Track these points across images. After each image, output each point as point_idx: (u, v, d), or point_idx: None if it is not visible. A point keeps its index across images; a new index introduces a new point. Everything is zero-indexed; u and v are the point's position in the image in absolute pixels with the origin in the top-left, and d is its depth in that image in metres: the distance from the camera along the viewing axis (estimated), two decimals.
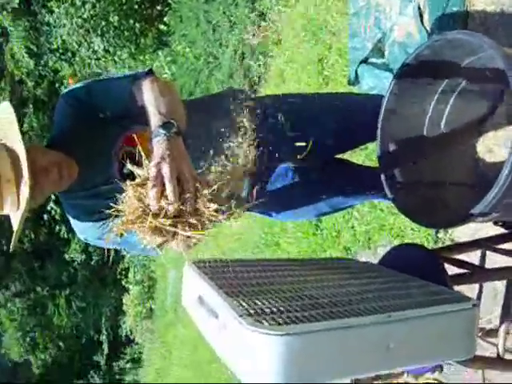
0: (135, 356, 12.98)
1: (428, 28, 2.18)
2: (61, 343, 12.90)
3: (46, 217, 8.62)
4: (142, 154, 1.06)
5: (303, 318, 0.86)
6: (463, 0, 2.00)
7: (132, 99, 1.24)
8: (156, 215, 1.00)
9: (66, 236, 9.87)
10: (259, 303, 0.94)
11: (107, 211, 1.06)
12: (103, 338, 12.76)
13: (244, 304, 0.93)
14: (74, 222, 1.41)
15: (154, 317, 11.44)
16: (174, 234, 1.02)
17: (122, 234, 1.38)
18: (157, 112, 1.13)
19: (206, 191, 1.02)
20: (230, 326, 0.88)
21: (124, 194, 1.03)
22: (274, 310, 0.90)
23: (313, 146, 1.55)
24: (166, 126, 1.07)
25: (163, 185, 0.99)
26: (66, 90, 1.34)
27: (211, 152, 1.20)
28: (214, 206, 1.02)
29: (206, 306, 1.01)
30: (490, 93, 1.50)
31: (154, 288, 11.31)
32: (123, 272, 12.34)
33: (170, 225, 1.00)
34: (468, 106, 1.53)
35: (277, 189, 1.60)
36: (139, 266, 11.39)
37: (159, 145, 1.04)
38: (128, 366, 13.16)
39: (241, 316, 0.85)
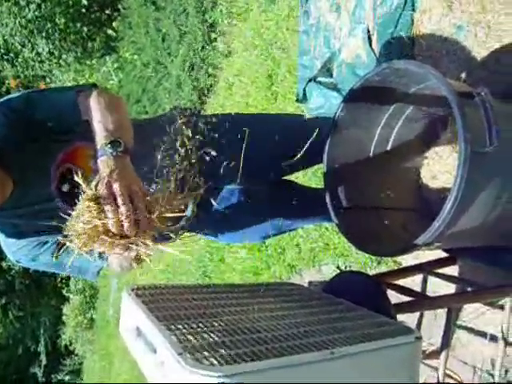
0: (75, 368, 12.62)
1: (376, 51, 2.21)
2: None
3: None
4: (79, 171, 1.02)
5: (244, 356, 0.83)
6: (410, 26, 2.05)
7: (76, 112, 1.18)
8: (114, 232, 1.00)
9: None
10: (200, 338, 0.90)
11: (46, 231, 1.01)
12: (41, 348, 12.38)
13: (183, 338, 0.89)
14: (4, 243, 1.32)
15: (95, 327, 11.16)
16: (128, 248, 1.03)
17: (56, 257, 1.31)
18: (103, 129, 1.08)
19: (157, 207, 1.02)
20: (168, 363, 0.84)
21: (76, 213, 1.00)
22: (215, 346, 0.86)
23: (259, 168, 1.53)
24: (112, 144, 1.04)
25: (116, 203, 0.97)
26: (1, 100, 1.23)
27: (153, 173, 1.17)
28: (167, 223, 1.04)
29: (144, 338, 0.96)
30: (434, 120, 1.53)
31: (96, 298, 11.05)
32: (64, 281, 12.00)
33: (129, 241, 1.00)
34: (413, 131, 1.55)
35: (222, 210, 1.57)
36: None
37: (106, 163, 1.01)
38: (67, 378, 12.80)
39: (180, 354, 0.81)
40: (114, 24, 6.42)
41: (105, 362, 9.56)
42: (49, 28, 6.49)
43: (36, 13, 6.32)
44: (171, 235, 1.08)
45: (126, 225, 0.98)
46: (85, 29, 6.72)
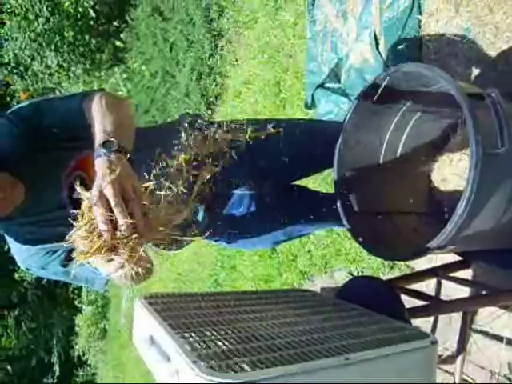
0: (87, 378, 12.62)
1: (384, 55, 2.21)
2: (9, 367, 12.41)
3: None
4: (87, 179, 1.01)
5: (258, 363, 0.82)
6: (418, 29, 2.04)
7: (82, 117, 1.18)
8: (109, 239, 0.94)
9: None
10: (213, 345, 0.90)
11: (57, 239, 1.00)
12: (54, 359, 12.39)
13: (197, 346, 0.89)
14: (14, 251, 1.32)
15: (107, 337, 11.17)
16: (129, 257, 0.95)
17: (65, 266, 1.31)
18: (101, 130, 1.07)
19: (156, 210, 0.98)
20: (183, 371, 0.83)
21: (76, 222, 0.96)
22: (229, 353, 0.86)
23: (269, 173, 1.53)
24: (105, 144, 1.02)
25: (109, 205, 0.93)
26: (10, 110, 1.24)
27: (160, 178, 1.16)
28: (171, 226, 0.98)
29: (158, 347, 0.96)
30: (445, 123, 1.52)
31: (108, 308, 11.06)
32: (76, 291, 12.04)
33: (123, 247, 0.94)
34: (424, 135, 1.54)
35: (233, 216, 1.57)
36: None
37: (100, 165, 0.99)
38: None
39: (194, 362, 0.81)
40: (121, 35, 6.47)
41: (117, 372, 9.56)
42: (57, 41, 6.55)
43: (45, 26, 6.38)
44: (178, 238, 1.04)
45: (122, 227, 0.93)
46: (93, 41, 6.77)
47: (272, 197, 1.60)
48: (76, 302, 11.83)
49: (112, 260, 0.95)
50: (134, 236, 0.94)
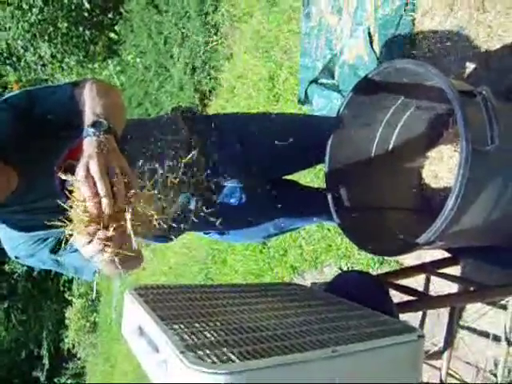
0: (77, 371, 12.61)
1: (377, 51, 2.22)
2: None
3: None
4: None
5: (246, 354, 0.83)
6: (411, 27, 2.05)
7: (74, 104, 1.18)
8: (95, 219, 0.93)
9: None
10: (202, 336, 0.90)
11: (48, 227, 0.99)
12: (44, 352, 12.36)
13: (186, 337, 0.89)
14: (4, 239, 1.32)
15: (97, 331, 11.16)
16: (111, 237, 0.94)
17: (54, 253, 1.31)
18: (91, 112, 1.07)
19: (138, 190, 0.96)
20: (171, 361, 0.84)
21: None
22: (218, 344, 0.87)
23: (260, 167, 1.54)
24: (95, 124, 1.01)
25: (95, 184, 0.92)
26: (2, 98, 1.23)
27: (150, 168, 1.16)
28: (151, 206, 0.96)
29: (147, 337, 0.96)
30: (436, 119, 1.53)
31: (98, 301, 11.04)
32: (66, 284, 12.00)
33: (107, 225, 0.93)
34: (415, 131, 1.55)
35: (224, 208, 1.57)
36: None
37: (88, 144, 0.98)
38: (69, 381, 12.77)
39: (182, 352, 0.81)
40: (116, 27, 6.43)
41: (107, 366, 9.56)
42: (51, 32, 6.50)
43: (38, 16, 6.32)
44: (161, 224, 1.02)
45: (104, 202, 0.91)
46: (87, 32, 6.73)
47: (263, 190, 1.61)
48: (66, 295, 11.79)
49: (92, 240, 0.93)
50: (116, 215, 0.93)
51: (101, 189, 0.91)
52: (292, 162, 1.64)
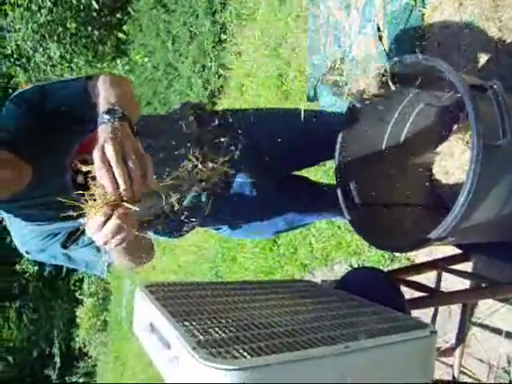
0: (88, 370, 12.68)
1: (386, 47, 2.20)
2: (10, 357, 12.47)
3: None
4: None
5: (258, 350, 0.83)
6: (421, 22, 2.04)
7: (87, 98, 1.18)
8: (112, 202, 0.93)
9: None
10: (213, 332, 0.90)
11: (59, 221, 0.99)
12: (55, 351, 12.45)
13: (197, 333, 0.89)
14: (15, 234, 1.32)
15: (108, 329, 11.21)
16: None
17: (65, 247, 1.31)
18: (105, 102, 1.08)
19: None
20: (182, 358, 0.84)
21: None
22: (229, 341, 0.87)
23: (271, 162, 1.53)
24: (109, 111, 1.02)
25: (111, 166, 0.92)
26: (15, 93, 1.24)
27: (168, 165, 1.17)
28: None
29: (158, 334, 0.97)
30: (447, 115, 1.52)
31: (109, 300, 11.10)
32: (77, 283, 12.08)
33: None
34: (425, 127, 1.54)
35: (234, 203, 1.57)
36: (93, 277, 11.17)
37: (103, 131, 0.98)
38: (81, 380, 12.86)
39: (194, 349, 0.81)
40: (124, 27, 6.46)
41: (118, 364, 9.60)
42: (60, 32, 6.54)
43: (48, 17, 6.36)
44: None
45: (121, 185, 0.91)
46: (96, 32, 6.76)
47: (273, 185, 1.61)
48: (77, 294, 11.87)
49: (108, 220, 0.93)
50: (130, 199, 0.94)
51: (117, 173, 0.92)
52: (302, 158, 1.64)
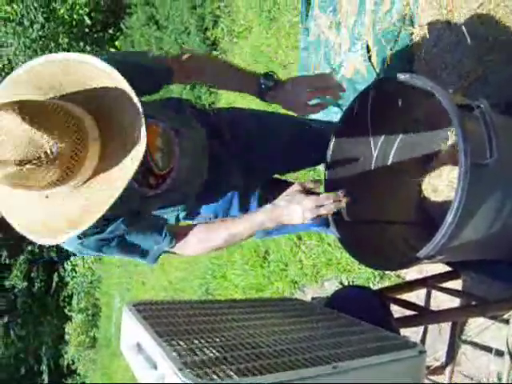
0: None
1: (376, 66, 2.22)
2: None
3: None
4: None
5: (245, 371, 0.82)
6: (410, 41, 2.06)
7: (169, 75, 1.28)
8: None
9: (6, 262, 9.47)
10: (200, 353, 0.89)
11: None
12: (43, 368, 12.26)
13: (184, 354, 0.88)
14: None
15: (97, 346, 11.08)
16: None
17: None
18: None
19: None
20: (169, 378, 0.83)
21: None
22: (216, 361, 0.86)
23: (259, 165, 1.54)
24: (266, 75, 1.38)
25: None
26: None
27: None
28: None
29: (144, 354, 0.96)
30: (435, 133, 1.53)
31: (98, 316, 10.98)
32: (66, 299, 11.94)
33: None
34: (414, 145, 1.55)
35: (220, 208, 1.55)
36: (83, 293, 11.08)
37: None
38: None
39: (180, 369, 0.80)
40: (116, 43, 6.48)
41: (106, 381, 9.48)
42: (52, 47, 6.55)
43: (40, 33, 6.38)
44: None
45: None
46: (88, 48, 6.78)
47: (257, 189, 1.61)
48: (66, 310, 11.73)
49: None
50: None
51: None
52: (291, 158, 1.63)
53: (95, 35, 6.91)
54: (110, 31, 6.79)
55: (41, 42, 6.48)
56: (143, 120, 0.94)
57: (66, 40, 6.56)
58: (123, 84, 0.96)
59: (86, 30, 6.73)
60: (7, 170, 0.85)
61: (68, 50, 6.68)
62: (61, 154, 0.87)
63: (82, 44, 6.71)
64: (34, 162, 0.85)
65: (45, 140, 0.85)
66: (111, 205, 0.95)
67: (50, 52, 6.52)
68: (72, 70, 0.99)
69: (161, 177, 1.27)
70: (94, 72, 0.98)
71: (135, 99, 0.95)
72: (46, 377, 12.23)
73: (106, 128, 0.96)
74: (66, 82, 0.99)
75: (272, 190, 1.67)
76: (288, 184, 1.80)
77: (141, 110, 0.94)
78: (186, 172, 1.33)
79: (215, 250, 1.31)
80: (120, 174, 0.95)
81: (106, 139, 0.96)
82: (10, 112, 0.84)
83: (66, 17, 6.42)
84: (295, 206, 1.19)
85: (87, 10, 6.46)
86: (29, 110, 0.86)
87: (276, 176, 1.76)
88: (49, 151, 0.86)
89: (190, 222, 1.44)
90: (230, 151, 1.47)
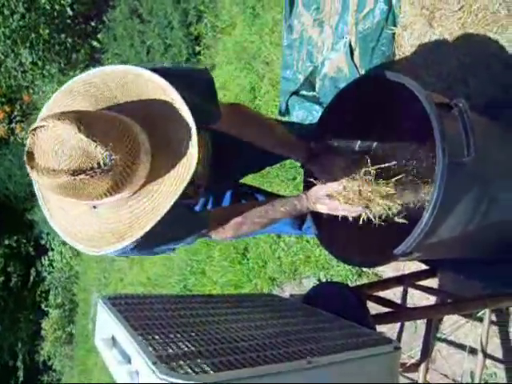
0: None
1: (358, 65, 2.23)
2: None
3: None
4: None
5: (220, 365, 0.81)
6: (392, 41, 2.07)
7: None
8: None
9: None
10: (175, 347, 0.89)
11: None
12: (19, 364, 12.11)
13: (158, 348, 0.87)
14: None
15: (74, 342, 10.97)
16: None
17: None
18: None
19: None
20: (143, 372, 0.82)
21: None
22: (191, 355, 0.85)
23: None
24: None
25: None
26: None
27: None
28: None
29: (119, 348, 0.95)
30: (413, 131, 1.53)
31: (75, 312, 10.88)
32: (43, 294, 11.80)
33: None
34: (393, 143, 1.56)
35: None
36: (60, 288, 10.96)
37: None
38: None
39: (154, 363, 0.80)
40: (98, 36, 6.39)
41: (83, 378, 9.40)
42: (33, 38, 6.44)
43: (20, 23, 6.27)
44: None
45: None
46: (69, 40, 6.68)
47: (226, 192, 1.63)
48: (43, 306, 11.60)
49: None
50: None
51: None
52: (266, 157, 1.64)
53: (77, 27, 6.82)
54: (93, 23, 6.70)
55: (21, 33, 6.37)
56: (195, 137, 0.94)
57: (47, 31, 6.45)
58: (178, 100, 0.96)
59: (68, 21, 6.62)
60: (60, 179, 0.85)
61: (49, 42, 6.59)
62: (114, 166, 0.87)
63: (63, 36, 6.61)
64: (88, 172, 0.85)
65: (99, 151, 0.85)
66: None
67: (31, 43, 6.43)
68: (128, 82, 0.99)
69: (197, 186, 1.29)
70: (150, 86, 0.98)
71: (189, 116, 0.94)
72: (21, 373, 12.07)
73: (157, 142, 0.96)
74: (120, 95, 0.99)
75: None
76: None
77: (194, 128, 0.94)
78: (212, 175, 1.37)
79: (251, 233, 1.33)
80: (170, 189, 0.95)
81: (157, 153, 0.96)
82: (66, 122, 0.84)
83: (48, 7, 6.32)
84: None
85: (69, 0, 6.36)
86: (84, 121, 0.86)
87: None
88: (102, 162, 0.85)
89: None
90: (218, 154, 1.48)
